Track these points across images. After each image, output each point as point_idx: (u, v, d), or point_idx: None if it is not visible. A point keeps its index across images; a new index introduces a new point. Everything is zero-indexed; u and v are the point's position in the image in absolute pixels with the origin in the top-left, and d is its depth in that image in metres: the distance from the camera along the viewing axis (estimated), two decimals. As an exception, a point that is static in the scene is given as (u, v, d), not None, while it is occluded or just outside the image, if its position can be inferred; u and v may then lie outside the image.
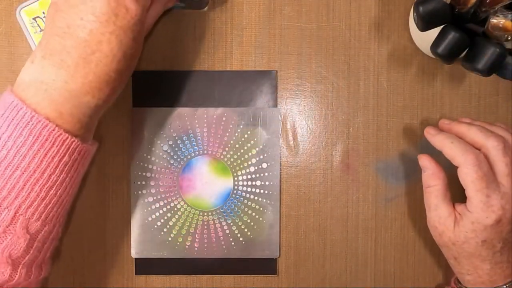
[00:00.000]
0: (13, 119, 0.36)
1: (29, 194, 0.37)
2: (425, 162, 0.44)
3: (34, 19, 0.44)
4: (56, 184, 0.38)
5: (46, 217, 0.38)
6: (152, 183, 0.50)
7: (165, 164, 0.50)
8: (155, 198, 0.50)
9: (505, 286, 0.42)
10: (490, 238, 0.41)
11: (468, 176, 0.41)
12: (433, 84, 0.50)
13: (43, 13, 0.44)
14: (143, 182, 0.50)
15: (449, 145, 0.42)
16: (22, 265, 0.38)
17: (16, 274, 0.37)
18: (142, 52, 0.49)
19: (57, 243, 0.42)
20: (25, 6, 0.44)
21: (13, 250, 0.37)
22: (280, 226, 0.50)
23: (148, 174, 0.50)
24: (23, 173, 0.36)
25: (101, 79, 0.38)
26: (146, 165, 0.50)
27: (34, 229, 0.38)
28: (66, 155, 0.37)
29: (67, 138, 0.37)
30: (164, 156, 0.50)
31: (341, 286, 0.51)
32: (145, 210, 0.50)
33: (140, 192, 0.50)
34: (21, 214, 0.37)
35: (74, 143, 0.38)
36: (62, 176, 0.38)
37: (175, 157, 0.50)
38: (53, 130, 0.36)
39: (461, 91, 0.50)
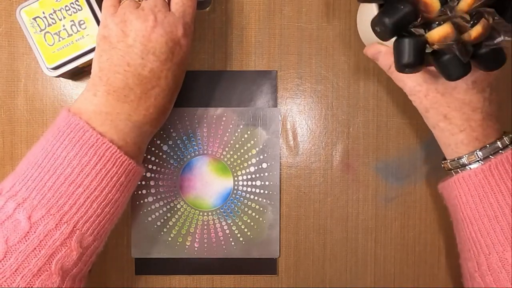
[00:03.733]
0: (79, 140, 0.39)
1: (87, 210, 0.39)
2: (372, 49, 0.44)
3: (34, 19, 0.44)
4: (111, 202, 0.40)
5: (98, 233, 0.40)
6: (152, 183, 0.50)
7: (165, 164, 0.50)
8: (155, 198, 0.50)
9: (499, 143, 0.41)
10: (479, 79, 0.40)
11: None
12: (433, 84, 0.50)
13: (43, 13, 0.44)
14: (143, 182, 0.50)
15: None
16: (69, 276, 0.39)
17: (63, 285, 0.38)
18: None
19: (95, 258, 0.43)
20: (25, 6, 0.44)
21: (65, 262, 0.38)
22: (280, 226, 0.50)
23: (148, 174, 0.50)
24: (84, 191, 0.38)
25: (159, 110, 0.41)
26: (146, 165, 0.50)
27: (86, 243, 0.39)
28: (123, 176, 0.40)
29: (126, 159, 0.40)
30: (164, 156, 0.50)
31: (341, 286, 0.51)
32: (145, 210, 0.50)
33: (140, 192, 0.50)
34: (78, 229, 0.38)
35: (131, 164, 0.40)
36: (117, 195, 0.40)
37: (175, 157, 0.50)
38: (115, 152, 0.39)
39: (461, 91, 0.50)
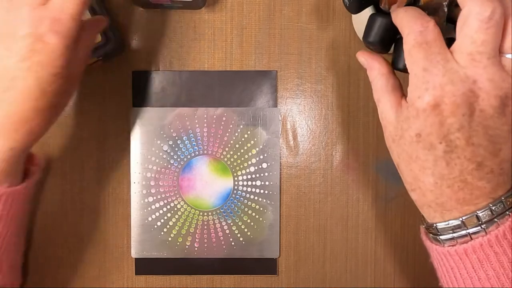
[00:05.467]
0: None
1: None
2: (361, 58, 0.37)
3: None
4: None
5: None
6: (152, 183, 0.50)
7: (165, 164, 0.50)
8: (155, 198, 0.50)
9: (459, 220, 0.31)
10: (425, 132, 0.31)
11: (406, 45, 0.31)
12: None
13: None
14: (143, 182, 0.50)
15: (402, 14, 0.33)
16: None
17: None
18: (143, 52, 0.49)
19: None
20: None
21: None
22: (280, 226, 0.50)
23: (148, 174, 0.50)
24: None
25: (14, 119, 0.34)
26: (146, 165, 0.50)
27: None
28: None
29: None
30: (164, 156, 0.50)
31: (341, 286, 0.51)
32: (145, 210, 0.50)
33: (140, 192, 0.50)
34: None
35: None
36: None
37: (175, 157, 0.50)
38: None
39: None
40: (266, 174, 0.50)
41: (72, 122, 0.50)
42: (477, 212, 0.31)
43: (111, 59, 0.49)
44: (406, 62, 0.32)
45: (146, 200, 0.50)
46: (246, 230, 0.50)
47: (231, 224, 0.50)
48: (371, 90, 0.50)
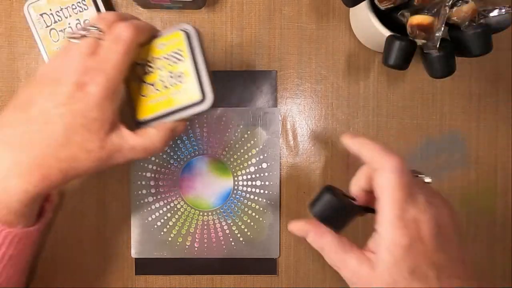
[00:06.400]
0: None
1: None
2: (299, 227, 0.36)
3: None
4: None
5: None
6: (152, 183, 0.50)
7: (165, 164, 0.50)
8: (155, 198, 0.50)
9: None
10: (417, 265, 0.31)
11: (390, 181, 0.33)
12: (433, 84, 0.50)
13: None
14: (143, 182, 0.50)
15: (370, 145, 0.34)
16: None
17: None
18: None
19: None
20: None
21: None
22: (280, 226, 0.50)
23: (148, 174, 0.50)
24: None
25: (33, 162, 0.34)
26: (146, 165, 0.50)
27: None
28: None
29: None
30: (164, 156, 0.50)
31: (341, 286, 0.51)
32: (145, 210, 0.50)
33: (140, 192, 0.50)
34: None
35: None
36: None
37: (175, 157, 0.50)
38: None
39: (461, 91, 0.50)
40: (266, 174, 0.50)
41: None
42: None
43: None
44: (386, 200, 0.33)
45: (146, 200, 0.50)
46: (246, 230, 0.50)
47: (231, 224, 0.50)
48: (371, 90, 0.50)
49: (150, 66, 0.38)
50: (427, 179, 0.36)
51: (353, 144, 0.35)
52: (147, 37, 0.37)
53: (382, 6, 0.38)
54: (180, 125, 0.39)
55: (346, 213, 0.36)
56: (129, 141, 0.36)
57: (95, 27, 0.35)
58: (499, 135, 0.50)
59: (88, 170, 0.36)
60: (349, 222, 0.37)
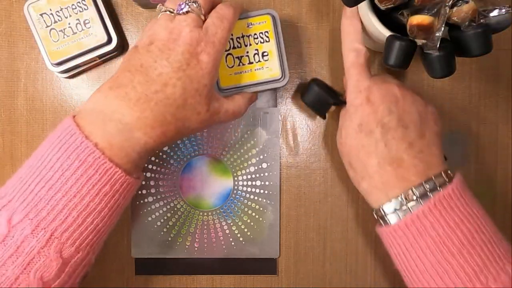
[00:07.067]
0: (65, 143, 0.37)
1: (66, 218, 0.36)
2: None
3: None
4: (94, 212, 0.37)
5: (81, 244, 0.38)
6: (152, 183, 0.50)
7: (165, 164, 0.50)
8: (155, 198, 0.50)
9: (400, 197, 0.39)
10: (365, 121, 0.40)
11: (350, 59, 0.43)
12: (433, 84, 0.50)
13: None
14: (143, 182, 0.50)
15: (351, 37, 0.43)
16: None
17: None
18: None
19: (88, 270, 0.42)
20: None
21: (45, 273, 0.36)
22: (280, 226, 0.50)
23: (148, 174, 0.50)
24: (63, 196, 0.36)
25: (156, 118, 0.38)
26: (146, 165, 0.50)
27: (67, 254, 0.37)
28: (108, 185, 0.37)
29: (111, 167, 0.37)
30: (164, 156, 0.50)
31: (341, 286, 0.51)
32: (145, 210, 0.50)
33: (140, 192, 0.50)
34: (56, 237, 0.36)
35: (117, 173, 0.37)
36: (101, 205, 0.38)
37: (175, 157, 0.50)
38: (99, 157, 0.36)
39: (461, 91, 0.50)
40: (266, 174, 0.50)
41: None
42: (413, 188, 0.38)
43: (111, 59, 0.49)
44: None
45: (146, 200, 0.50)
46: (246, 230, 0.50)
47: (231, 224, 0.50)
48: (371, 90, 0.50)
49: (238, 42, 0.45)
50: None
51: (343, 25, 0.44)
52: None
53: (382, 6, 0.38)
54: (254, 96, 0.47)
55: (328, 103, 0.46)
56: (224, 105, 0.42)
57: (196, 2, 0.40)
58: (499, 135, 0.50)
59: (195, 130, 0.41)
60: (329, 108, 0.46)
